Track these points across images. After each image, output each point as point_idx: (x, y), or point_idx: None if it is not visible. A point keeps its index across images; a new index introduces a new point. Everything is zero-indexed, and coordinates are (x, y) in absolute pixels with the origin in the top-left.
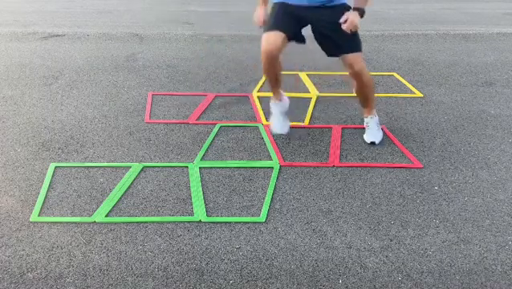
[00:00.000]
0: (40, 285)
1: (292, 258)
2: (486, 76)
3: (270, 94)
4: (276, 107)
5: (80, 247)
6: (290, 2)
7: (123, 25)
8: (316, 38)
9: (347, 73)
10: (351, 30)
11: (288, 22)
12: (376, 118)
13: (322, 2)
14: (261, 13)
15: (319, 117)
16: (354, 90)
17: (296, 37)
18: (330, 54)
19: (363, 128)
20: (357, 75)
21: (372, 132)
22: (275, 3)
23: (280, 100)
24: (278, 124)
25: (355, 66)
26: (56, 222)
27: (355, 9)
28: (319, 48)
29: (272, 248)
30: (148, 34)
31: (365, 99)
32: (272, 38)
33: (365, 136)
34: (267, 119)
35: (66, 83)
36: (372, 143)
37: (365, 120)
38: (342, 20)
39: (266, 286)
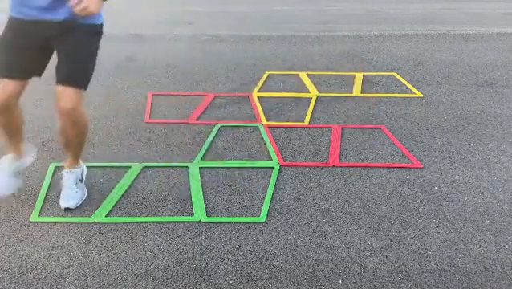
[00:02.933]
0: (40, 285)
1: (292, 258)
2: (486, 76)
3: (270, 94)
4: (12, 165)
5: (80, 247)
6: (25, 19)
7: (123, 25)
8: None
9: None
10: (86, 56)
11: (28, 58)
12: (79, 171)
13: (64, 15)
14: None
15: (319, 117)
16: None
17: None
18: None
19: (363, 128)
20: (62, 112)
21: (67, 193)
22: (9, 19)
23: (20, 158)
24: (6, 182)
25: (61, 100)
26: (56, 222)
27: None
28: (319, 49)
29: (272, 248)
30: (148, 34)
31: (68, 142)
32: (7, 87)
33: (60, 200)
34: (267, 118)
35: None
36: (67, 209)
37: (62, 173)
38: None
39: (266, 286)
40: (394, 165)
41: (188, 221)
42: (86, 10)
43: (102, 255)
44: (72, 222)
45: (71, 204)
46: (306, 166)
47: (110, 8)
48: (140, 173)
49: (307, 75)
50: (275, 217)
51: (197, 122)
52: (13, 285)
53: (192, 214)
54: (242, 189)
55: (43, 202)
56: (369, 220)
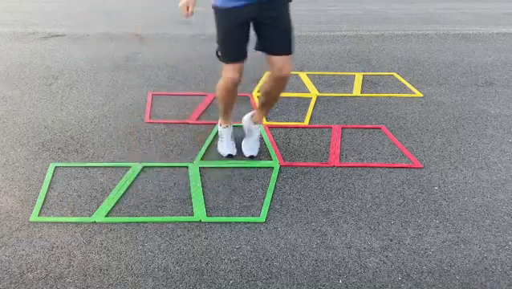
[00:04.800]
0: (40, 285)
1: (292, 258)
2: (486, 76)
3: None
4: (228, 132)
5: (80, 247)
6: (235, 5)
7: (123, 25)
8: (254, 29)
9: (271, 73)
10: (290, 25)
11: (242, 45)
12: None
13: None
14: (191, 2)
15: (319, 117)
16: (264, 90)
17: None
18: (259, 48)
19: (363, 128)
20: (283, 79)
21: (253, 144)
22: (220, 11)
23: (230, 125)
24: (230, 146)
25: (285, 69)
26: (56, 222)
27: None
28: (319, 49)
29: (272, 248)
30: (148, 34)
31: (273, 101)
32: (238, 67)
33: (244, 149)
34: (267, 118)
35: (66, 83)
36: (251, 157)
37: (250, 126)
38: None
39: (266, 286)
40: (394, 165)
41: (188, 221)
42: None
43: (102, 255)
44: (72, 222)
45: (256, 153)
46: (306, 166)
47: (110, 8)
48: (139, 173)
49: (307, 75)
50: (275, 217)
51: (197, 122)
52: (13, 285)
53: (192, 214)
54: (242, 189)
55: (43, 202)
56: (369, 220)
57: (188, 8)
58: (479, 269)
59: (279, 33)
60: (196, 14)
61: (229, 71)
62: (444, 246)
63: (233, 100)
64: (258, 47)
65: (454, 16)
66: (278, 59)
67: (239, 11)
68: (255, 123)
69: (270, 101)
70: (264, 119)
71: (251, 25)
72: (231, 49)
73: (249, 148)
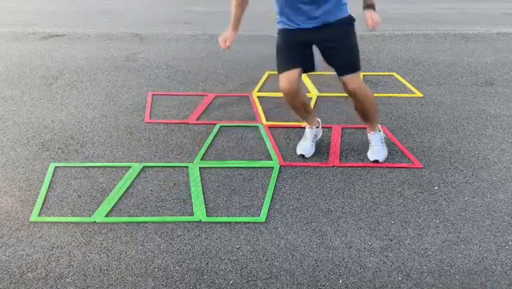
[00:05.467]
0: (40, 285)
1: (292, 258)
2: (486, 76)
3: (270, 94)
4: (310, 132)
5: (80, 247)
6: (291, 28)
7: (123, 25)
8: (323, 56)
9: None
10: (350, 47)
11: (298, 55)
12: (381, 134)
13: (321, 21)
14: (229, 37)
15: (319, 117)
16: (354, 107)
17: (308, 65)
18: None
19: (364, 128)
20: (352, 94)
21: (375, 150)
22: (280, 31)
23: (315, 126)
24: (307, 147)
25: (349, 85)
26: (56, 222)
27: (369, 6)
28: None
29: (272, 248)
30: (148, 34)
31: (364, 114)
32: (289, 76)
33: (368, 154)
34: (267, 118)
35: (66, 83)
36: (375, 161)
37: (368, 135)
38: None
39: (266, 286)
40: (394, 165)
41: (188, 221)
42: (378, 25)
43: (102, 255)
44: (72, 222)
45: (381, 158)
46: (306, 166)
47: (110, 8)
48: (139, 173)
49: (307, 75)
50: (275, 217)
51: (197, 122)
52: (13, 285)
53: (192, 214)
54: (242, 189)
55: (43, 202)
56: (369, 220)
57: (226, 42)
58: (479, 269)
59: (341, 55)
60: (196, 13)
61: (280, 80)
62: (444, 246)
63: (297, 105)
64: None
65: (454, 16)
66: (343, 78)
67: (302, 33)
68: (370, 132)
69: (363, 115)
70: (264, 119)
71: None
72: (283, 59)
73: (373, 153)
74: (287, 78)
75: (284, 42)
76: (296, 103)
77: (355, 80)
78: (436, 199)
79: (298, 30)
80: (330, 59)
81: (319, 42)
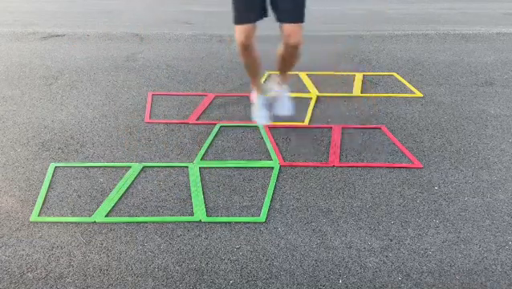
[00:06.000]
0: (40, 285)
1: (292, 258)
2: (486, 76)
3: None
4: (258, 98)
5: (80, 247)
6: None
7: (123, 25)
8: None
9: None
10: None
11: (250, 10)
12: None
13: None
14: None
15: (319, 117)
16: (279, 56)
17: (263, 12)
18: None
19: (363, 128)
20: (293, 48)
21: (287, 104)
22: None
23: (262, 93)
24: (260, 113)
25: (292, 38)
26: (56, 222)
27: None
28: (319, 49)
29: (272, 248)
30: (148, 34)
31: (288, 66)
32: (245, 29)
33: (278, 111)
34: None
35: (66, 83)
36: (286, 116)
37: (277, 90)
38: None
39: (266, 286)
40: (394, 165)
41: (188, 221)
42: None
43: (102, 255)
44: (72, 222)
45: (291, 112)
46: (306, 166)
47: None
48: (139, 173)
49: (307, 75)
50: (275, 217)
51: (197, 122)
52: (13, 285)
53: (192, 214)
54: (242, 189)
55: (43, 202)
56: (369, 220)
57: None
58: (479, 269)
59: (291, 4)
60: (196, 13)
61: (236, 33)
62: (444, 246)
63: (252, 63)
64: (275, 18)
65: (454, 16)
66: (287, 27)
67: None
68: (282, 84)
69: (285, 67)
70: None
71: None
72: (239, 10)
73: (284, 108)
74: (243, 31)
75: None
76: (250, 58)
77: (299, 33)
78: (436, 199)
79: None
80: (281, 8)
81: None
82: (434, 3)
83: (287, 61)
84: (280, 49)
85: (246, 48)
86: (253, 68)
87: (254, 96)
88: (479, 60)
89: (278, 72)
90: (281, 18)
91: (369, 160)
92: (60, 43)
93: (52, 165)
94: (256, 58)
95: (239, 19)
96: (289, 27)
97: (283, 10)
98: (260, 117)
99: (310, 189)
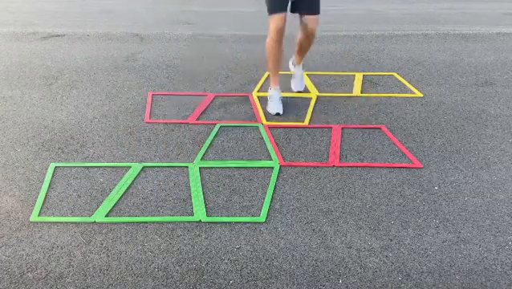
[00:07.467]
0: (40, 285)
1: (292, 258)
2: (486, 76)
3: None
4: (277, 93)
5: (80, 247)
6: None
7: (123, 25)
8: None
9: (303, 32)
10: None
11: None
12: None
13: None
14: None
15: (319, 117)
16: (298, 41)
17: (289, 5)
18: (294, 11)
19: (363, 128)
20: (310, 33)
21: (301, 81)
22: None
23: (279, 87)
24: (279, 105)
25: (310, 25)
26: (56, 222)
27: None
28: (319, 49)
29: (272, 248)
30: (148, 34)
31: (306, 50)
32: (281, 17)
33: (293, 86)
34: (267, 118)
35: (66, 83)
36: (298, 92)
37: (296, 67)
38: None
39: (266, 286)
40: (394, 165)
41: (188, 221)
42: None
43: (102, 255)
44: (72, 222)
45: (302, 88)
46: (306, 166)
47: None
48: (139, 173)
49: (307, 75)
50: (275, 217)
51: (197, 122)
52: (13, 285)
53: (192, 214)
54: (242, 189)
55: (43, 202)
56: (369, 220)
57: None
58: (479, 269)
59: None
60: (196, 13)
61: (273, 22)
62: (444, 246)
63: (279, 56)
64: (293, 10)
65: (454, 16)
66: (307, 17)
67: None
68: (297, 64)
69: (302, 50)
70: (264, 119)
71: None
72: (274, 1)
73: (296, 85)
74: (279, 19)
75: None
76: (278, 50)
77: (316, 21)
78: (436, 199)
79: None
80: (297, 2)
81: None
82: (434, 3)
83: (303, 46)
84: (298, 36)
85: (281, 36)
86: (276, 61)
87: (272, 90)
88: (479, 60)
89: (296, 55)
90: (304, 12)
91: (369, 161)
92: (60, 43)
93: (52, 165)
94: (281, 51)
95: (275, 8)
96: (308, 17)
97: (304, 5)
98: (276, 109)
99: (310, 189)
